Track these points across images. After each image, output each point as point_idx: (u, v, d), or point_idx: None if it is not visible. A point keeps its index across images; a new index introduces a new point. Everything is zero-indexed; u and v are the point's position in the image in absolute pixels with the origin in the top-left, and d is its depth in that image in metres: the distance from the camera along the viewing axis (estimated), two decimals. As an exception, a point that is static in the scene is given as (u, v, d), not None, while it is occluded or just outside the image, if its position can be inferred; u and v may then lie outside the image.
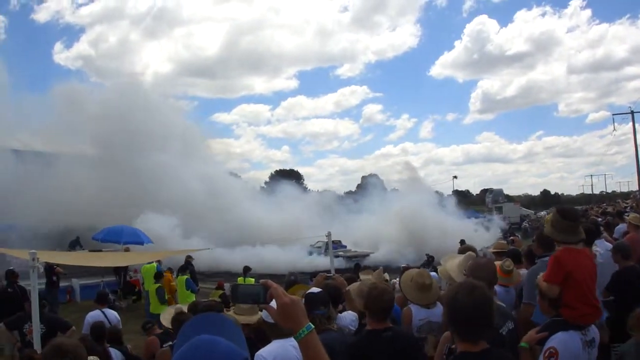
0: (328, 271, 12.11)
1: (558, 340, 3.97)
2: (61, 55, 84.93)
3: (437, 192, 60.05)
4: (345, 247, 32.23)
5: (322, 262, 29.66)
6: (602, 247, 7.73)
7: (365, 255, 33.19)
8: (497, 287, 6.53)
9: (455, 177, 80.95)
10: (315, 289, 5.47)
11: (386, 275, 8.32)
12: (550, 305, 4.31)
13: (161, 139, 41.56)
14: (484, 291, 3.20)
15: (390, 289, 5.00)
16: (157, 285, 15.47)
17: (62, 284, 20.51)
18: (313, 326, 2.29)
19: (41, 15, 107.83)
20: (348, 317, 5.96)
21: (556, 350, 3.90)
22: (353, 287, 6.67)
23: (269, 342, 4.26)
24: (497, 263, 7.27)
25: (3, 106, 39.27)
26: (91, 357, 3.66)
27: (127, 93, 41.78)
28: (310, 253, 33.98)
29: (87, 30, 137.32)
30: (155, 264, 17.38)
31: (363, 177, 72.19)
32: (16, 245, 22.77)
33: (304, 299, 5.23)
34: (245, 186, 48.06)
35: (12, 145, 38.56)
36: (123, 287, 21.83)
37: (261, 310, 4.79)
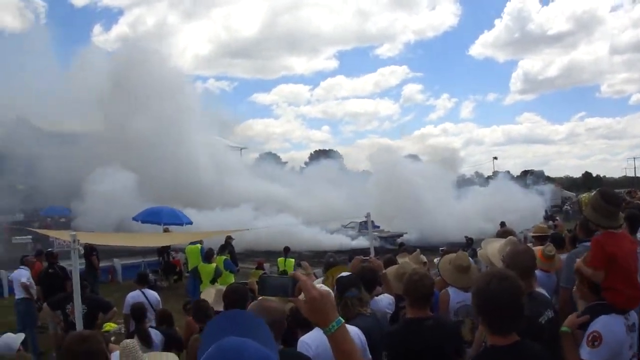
0: (366, 252, 12.07)
1: (602, 323, 3.85)
2: (100, 37, 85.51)
3: (476, 172, 59.30)
4: (378, 227, 32.00)
5: (356, 242, 29.75)
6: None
7: (399, 235, 32.98)
8: (538, 272, 6.42)
9: (495, 158, 79.80)
10: (345, 273, 5.48)
11: (423, 258, 8.22)
12: (590, 289, 4.20)
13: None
14: (515, 281, 3.07)
15: (430, 275, 4.85)
16: (213, 264, 15.37)
17: (104, 264, 20.98)
18: (343, 320, 2.23)
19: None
20: (385, 300, 5.92)
21: (600, 334, 3.78)
22: (390, 270, 6.62)
23: (310, 327, 4.23)
24: (538, 248, 7.16)
25: (49, 91, 40.08)
26: (127, 341, 3.66)
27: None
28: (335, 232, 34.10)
29: (126, 12, 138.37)
30: (199, 245, 17.51)
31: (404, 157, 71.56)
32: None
33: (336, 283, 5.23)
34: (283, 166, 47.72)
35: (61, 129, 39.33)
36: (164, 267, 22.06)
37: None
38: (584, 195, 7.37)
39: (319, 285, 5.20)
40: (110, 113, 39.32)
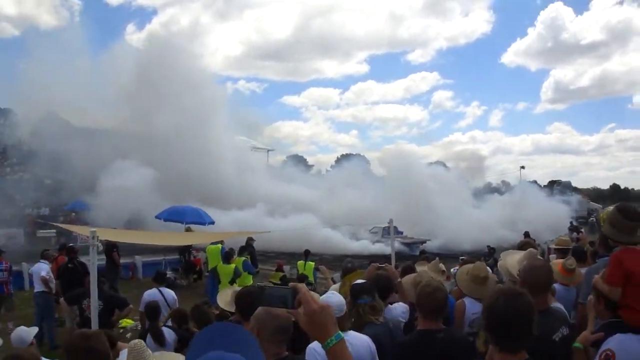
0: (388, 258, 11.98)
1: (616, 342, 3.70)
2: (133, 36, 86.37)
3: (503, 181, 58.83)
4: (401, 233, 31.80)
5: (379, 247, 29.54)
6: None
7: (422, 242, 32.68)
8: (557, 286, 6.30)
9: (522, 167, 78.63)
10: (360, 281, 5.42)
11: (442, 266, 8.11)
12: (606, 307, 4.08)
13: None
14: (526, 299, 2.96)
15: (444, 287, 4.74)
16: (232, 265, 15.38)
17: (125, 260, 21.13)
18: (342, 335, 2.17)
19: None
20: (399, 309, 5.85)
21: (613, 353, 3.64)
22: (407, 278, 6.54)
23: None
24: (559, 261, 7.02)
25: (80, 87, 40.62)
26: (135, 341, 3.64)
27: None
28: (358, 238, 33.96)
29: (159, 12, 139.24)
30: (220, 245, 17.54)
31: (429, 164, 71.35)
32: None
33: (349, 290, 5.17)
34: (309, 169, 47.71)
35: (89, 124, 39.81)
36: (185, 265, 22.12)
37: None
38: (604, 211, 7.20)
39: (331, 292, 5.17)
40: (135, 108, 39.77)
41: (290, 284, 2.25)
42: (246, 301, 5.36)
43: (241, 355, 1.57)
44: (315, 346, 4.06)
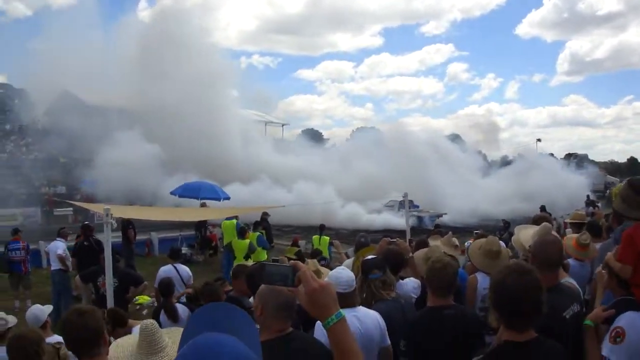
0: (402, 232, 11.92)
1: (627, 319, 3.66)
2: (144, 12, 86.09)
3: (519, 154, 58.19)
4: (417, 206, 31.64)
5: (395, 221, 29.44)
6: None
7: (439, 216, 32.56)
8: (571, 261, 6.23)
9: (539, 140, 77.71)
10: (371, 256, 5.39)
11: (455, 241, 8.06)
12: (618, 284, 4.02)
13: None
14: (534, 276, 2.91)
15: (454, 263, 4.65)
16: (247, 240, 15.48)
17: (141, 237, 21.30)
18: (343, 314, 2.14)
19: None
20: (410, 284, 5.81)
21: (623, 331, 3.60)
22: (418, 253, 6.50)
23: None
24: (574, 236, 6.94)
25: (93, 65, 40.68)
26: (146, 322, 3.63)
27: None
28: (380, 212, 33.68)
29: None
30: (235, 221, 17.60)
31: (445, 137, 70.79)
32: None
33: (361, 265, 5.14)
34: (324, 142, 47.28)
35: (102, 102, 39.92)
36: (200, 241, 22.22)
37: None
38: (616, 187, 7.10)
39: (341, 268, 5.14)
40: (140, 84, 39.82)
41: (291, 262, 2.23)
42: (258, 278, 5.36)
43: (237, 338, 1.53)
44: None
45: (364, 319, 4.32)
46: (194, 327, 1.64)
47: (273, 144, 47.47)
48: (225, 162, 36.03)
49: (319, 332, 3.97)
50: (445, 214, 33.55)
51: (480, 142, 60.53)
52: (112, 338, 4.80)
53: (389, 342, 4.49)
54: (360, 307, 4.49)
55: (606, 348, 3.63)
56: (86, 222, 14.81)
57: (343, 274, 4.48)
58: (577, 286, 4.52)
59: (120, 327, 6.21)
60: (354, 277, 4.55)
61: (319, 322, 4.00)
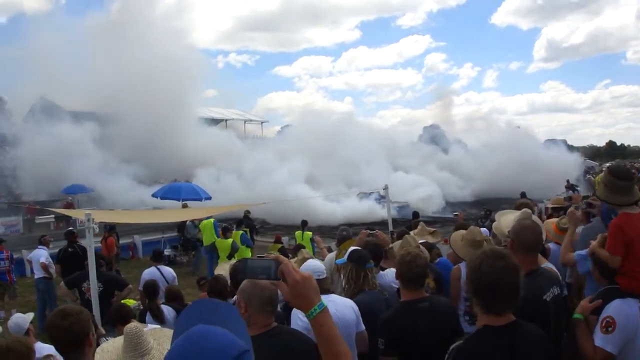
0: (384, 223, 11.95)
1: (614, 308, 3.76)
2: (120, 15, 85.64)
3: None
4: (383, 197, 31.63)
5: (378, 212, 29.48)
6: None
7: (402, 207, 32.30)
8: (552, 245, 6.30)
9: (518, 127, 78.12)
10: (356, 247, 5.44)
11: (429, 229, 8.18)
12: (602, 274, 4.09)
13: None
14: (510, 260, 2.94)
15: (423, 254, 4.69)
16: (230, 240, 15.51)
17: (125, 240, 21.44)
18: (325, 304, 2.17)
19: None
20: (390, 275, 5.83)
21: (613, 319, 3.69)
22: (396, 244, 6.55)
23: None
24: (554, 220, 7.02)
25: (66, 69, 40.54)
26: (130, 325, 3.63)
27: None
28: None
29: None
30: (212, 220, 17.59)
31: (425, 128, 70.98)
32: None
33: (349, 255, 5.16)
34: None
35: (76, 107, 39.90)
36: (183, 242, 22.15)
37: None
38: (598, 176, 7.21)
39: (311, 260, 5.20)
40: (106, 88, 40.39)
41: (272, 255, 2.25)
42: (241, 272, 5.37)
43: (227, 329, 1.58)
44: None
45: (339, 305, 4.38)
46: (185, 322, 1.68)
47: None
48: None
49: (295, 318, 4.03)
50: (407, 204, 33.28)
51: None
52: (104, 339, 4.80)
53: (363, 327, 4.54)
54: (333, 294, 4.62)
55: (599, 339, 3.70)
56: (70, 229, 14.71)
57: (315, 262, 4.78)
58: (556, 270, 4.57)
59: (122, 325, 6.17)
60: (322, 265, 4.68)
61: (294, 313, 4.07)
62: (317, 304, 2.15)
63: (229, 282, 6.50)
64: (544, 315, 3.53)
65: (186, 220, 19.97)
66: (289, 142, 43.90)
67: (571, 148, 69.59)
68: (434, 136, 59.12)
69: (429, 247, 7.06)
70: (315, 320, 2.15)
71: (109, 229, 17.39)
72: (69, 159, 33.99)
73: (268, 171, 34.69)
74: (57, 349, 3.63)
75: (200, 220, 18.71)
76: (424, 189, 36.35)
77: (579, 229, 6.48)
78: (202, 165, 35.90)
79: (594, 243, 4.32)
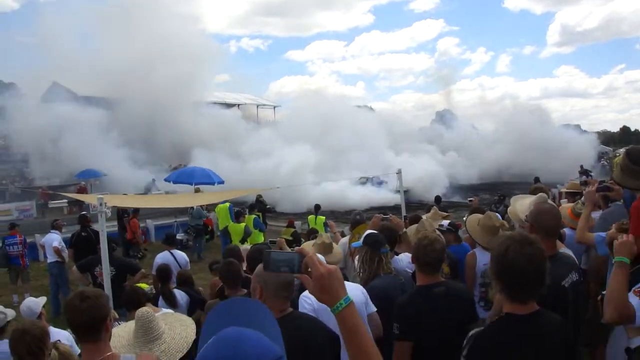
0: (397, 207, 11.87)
1: None
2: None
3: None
4: (384, 182, 31.49)
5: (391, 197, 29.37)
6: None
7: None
8: (567, 230, 6.20)
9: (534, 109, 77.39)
10: (372, 231, 5.37)
11: (442, 213, 8.09)
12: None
13: None
14: (537, 247, 2.82)
15: (440, 238, 4.56)
16: (242, 224, 15.50)
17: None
18: (351, 299, 2.07)
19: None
20: (405, 260, 5.78)
21: None
22: (411, 229, 6.48)
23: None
24: (569, 205, 6.91)
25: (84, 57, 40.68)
26: (142, 310, 3.60)
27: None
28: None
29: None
30: (227, 204, 17.56)
31: (437, 113, 70.72)
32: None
33: (365, 238, 5.11)
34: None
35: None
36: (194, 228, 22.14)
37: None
38: (617, 157, 7.08)
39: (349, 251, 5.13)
40: (115, 74, 40.23)
41: (296, 248, 2.17)
42: (257, 259, 5.32)
43: (260, 332, 1.48)
44: (306, 293, 3.97)
45: (350, 290, 4.31)
46: (216, 322, 1.59)
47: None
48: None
49: (303, 302, 3.98)
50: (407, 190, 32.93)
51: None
52: (117, 323, 4.77)
53: (374, 308, 4.54)
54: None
55: (636, 302, 3.44)
56: (83, 213, 14.75)
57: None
58: (574, 256, 4.47)
59: (135, 309, 6.14)
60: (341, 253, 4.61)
61: (302, 294, 4.01)
62: (343, 298, 2.05)
63: (244, 265, 6.46)
64: (563, 302, 3.46)
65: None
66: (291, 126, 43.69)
67: (585, 133, 69.20)
68: (446, 120, 58.84)
69: (455, 227, 6.91)
70: (340, 315, 2.05)
71: (133, 211, 17.67)
72: (82, 144, 33.99)
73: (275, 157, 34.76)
74: (73, 331, 3.59)
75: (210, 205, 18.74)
76: (427, 173, 36.03)
77: (598, 213, 6.36)
78: (213, 149, 35.88)
79: (612, 228, 4.22)
